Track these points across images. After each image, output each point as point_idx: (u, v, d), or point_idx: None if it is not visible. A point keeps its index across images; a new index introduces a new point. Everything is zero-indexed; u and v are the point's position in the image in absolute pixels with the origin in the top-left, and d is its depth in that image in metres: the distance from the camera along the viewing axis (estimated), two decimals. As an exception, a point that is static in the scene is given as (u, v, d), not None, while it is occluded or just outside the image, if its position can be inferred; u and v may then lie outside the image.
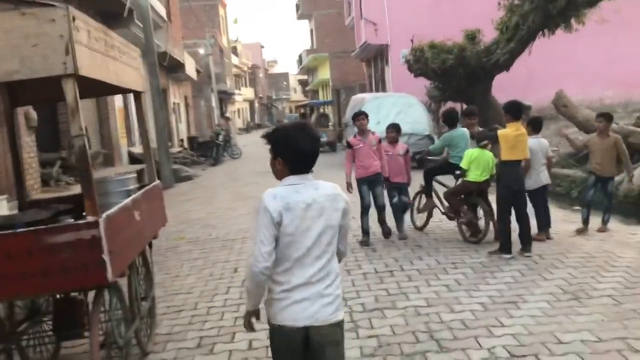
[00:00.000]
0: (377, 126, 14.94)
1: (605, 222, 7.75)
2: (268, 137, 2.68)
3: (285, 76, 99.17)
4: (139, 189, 4.64)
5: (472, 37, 13.79)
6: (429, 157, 8.60)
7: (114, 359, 3.85)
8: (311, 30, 45.18)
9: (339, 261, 2.72)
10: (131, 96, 15.88)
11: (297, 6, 44.25)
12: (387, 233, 7.74)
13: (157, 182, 5.07)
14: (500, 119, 14.54)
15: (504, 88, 20.40)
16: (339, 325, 2.63)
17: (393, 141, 7.97)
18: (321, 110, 28.70)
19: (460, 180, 7.45)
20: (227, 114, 44.36)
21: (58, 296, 4.28)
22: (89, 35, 3.38)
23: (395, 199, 7.86)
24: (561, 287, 5.40)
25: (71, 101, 3.16)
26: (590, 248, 6.74)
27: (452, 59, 13.27)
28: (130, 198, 4.01)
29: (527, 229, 6.71)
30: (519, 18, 12.75)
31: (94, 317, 3.48)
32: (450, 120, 7.94)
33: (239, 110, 65.32)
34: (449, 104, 18.47)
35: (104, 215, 3.28)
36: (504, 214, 6.72)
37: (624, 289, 5.25)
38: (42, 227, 3.26)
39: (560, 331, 4.36)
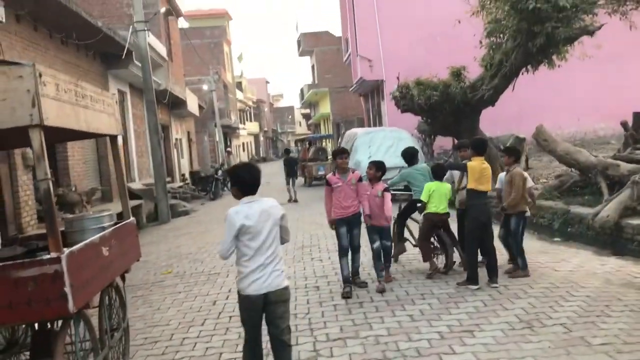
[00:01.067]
0: (368, 160, 15.36)
1: (516, 265, 7.42)
2: (227, 173, 4.06)
3: (290, 110, 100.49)
4: (115, 225, 4.97)
5: (457, 73, 14.20)
6: (392, 190, 8.50)
7: (82, 386, 4.12)
8: (312, 66, 46.09)
9: (282, 243, 4.14)
10: (131, 133, 16.41)
11: (299, 43, 45.21)
12: (362, 285, 7.18)
13: (131, 219, 5.40)
14: (489, 152, 14.96)
15: (496, 122, 20.92)
16: (286, 289, 4.09)
17: (373, 179, 7.29)
18: (319, 144, 29.11)
19: (422, 217, 7.73)
20: (229, 149, 45.03)
21: (36, 328, 4.59)
22: (57, 88, 3.76)
23: (376, 244, 7.14)
24: (519, 316, 5.64)
25: (37, 148, 3.51)
26: (556, 279, 6.97)
27: (437, 95, 13.67)
28: (98, 235, 4.33)
29: (494, 260, 6.96)
30: (502, 55, 13.16)
31: (58, 346, 3.77)
32: (409, 157, 8.19)
33: (243, 144, 66.09)
34: (439, 139, 18.94)
35: (67, 251, 3.59)
36: (472, 246, 6.99)
37: (577, 318, 5.47)
38: (8, 262, 3.57)
39: (504, 358, 4.60)
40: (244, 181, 4.10)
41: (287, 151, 23.49)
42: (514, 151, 7.97)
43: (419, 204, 7.63)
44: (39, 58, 11.34)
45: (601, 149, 17.97)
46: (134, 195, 16.85)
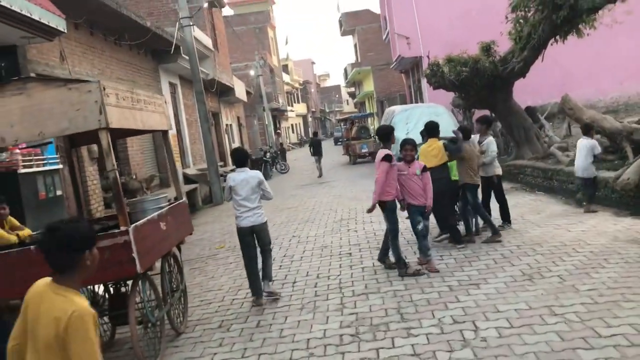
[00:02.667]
0: (406, 136, 15.97)
1: (476, 229, 8.49)
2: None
3: (337, 89, 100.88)
4: (170, 205, 6.00)
5: (486, 48, 14.62)
6: None
7: (150, 334, 5.17)
8: (355, 45, 46.45)
9: (266, 199, 6.70)
10: (183, 122, 17.57)
11: (340, 23, 45.64)
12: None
13: (184, 200, 6.42)
14: (522, 122, 15.37)
15: (540, 91, 21.12)
16: (265, 223, 6.65)
17: (410, 158, 7.15)
18: (362, 122, 29.79)
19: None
20: (279, 130, 46.14)
21: (111, 292, 5.69)
22: (117, 97, 4.74)
23: (421, 225, 7.04)
24: (523, 270, 6.37)
25: (105, 146, 4.52)
26: (566, 238, 7.61)
27: (466, 71, 14.15)
28: (157, 213, 5.34)
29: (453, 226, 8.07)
30: (530, 28, 13.50)
31: (131, 299, 4.81)
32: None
33: (292, 125, 67.27)
34: (477, 112, 19.32)
35: (132, 225, 4.60)
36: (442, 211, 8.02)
37: (574, 270, 6.16)
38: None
39: (501, 303, 5.39)
40: (233, 160, 6.87)
41: (315, 134, 26.68)
42: (485, 120, 8.89)
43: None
44: (97, 60, 12.56)
45: (641, 113, 17.99)
46: (189, 180, 18.13)
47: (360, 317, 5.57)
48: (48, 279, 2.56)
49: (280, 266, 8.19)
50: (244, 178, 6.52)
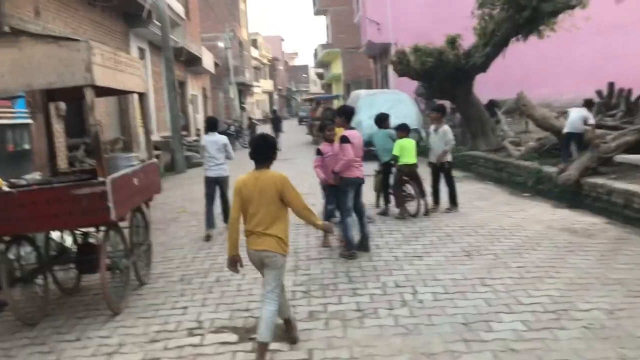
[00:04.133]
0: (369, 120, 16.50)
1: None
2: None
3: (305, 69, 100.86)
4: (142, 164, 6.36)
5: (452, 41, 15.22)
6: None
7: (117, 281, 5.57)
8: (327, 26, 46.69)
9: (228, 159, 8.58)
10: (150, 89, 17.67)
11: (314, 1, 45.75)
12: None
13: (154, 160, 6.78)
14: (479, 115, 16.09)
15: (502, 86, 21.92)
16: (227, 177, 8.52)
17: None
18: (328, 104, 30.24)
19: (394, 170, 8.99)
20: (244, 105, 46.15)
21: (80, 242, 6.05)
22: (102, 57, 5.07)
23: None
24: (463, 248, 7.00)
25: (90, 102, 4.87)
26: (507, 223, 8.29)
27: (431, 61, 14.75)
28: (130, 169, 5.72)
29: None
30: (494, 25, 14.15)
31: (103, 246, 5.20)
32: (379, 121, 9.14)
33: (257, 101, 67.16)
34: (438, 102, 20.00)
35: (109, 177, 4.98)
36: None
37: (509, 250, 6.83)
38: (70, 184, 4.97)
39: (440, 273, 5.99)
40: (206, 125, 8.83)
41: (274, 111, 29.98)
42: (440, 109, 9.57)
43: (391, 161, 8.88)
44: (70, 18, 12.62)
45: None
46: (153, 146, 18.28)
47: (312, 277, 6.10)
48: (249, 173, 4.29)
49: (241, 230, 8.62)
50: (213, 140, 8.50)
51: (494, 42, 14.40)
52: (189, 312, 5.32)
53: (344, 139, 6.93)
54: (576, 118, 11.22)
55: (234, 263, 4.36)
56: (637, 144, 10.76)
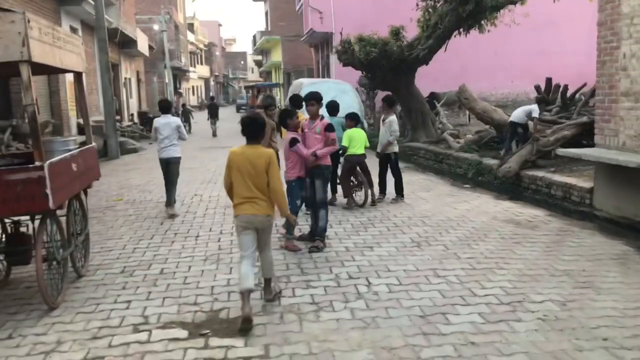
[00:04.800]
0: (311, 109, 16.38)
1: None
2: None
3: (242, 55, 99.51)
4: (80, 148, 5.94)
5: (396, 32, 15.26)
6: None
7: (54, 273, 5.17)
8: (266, 12, 46.09)
9: (181, 139, 9.00)
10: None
11: (253, -13, 45.02)
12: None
13: (93, 144, 6.36)
14: (420, 107, 16.25)
15: (438, 79, 22.23)
16: (178, 158, 8.91)
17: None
18: (268, 91, 29.87)
19: (342, 160, 8.90)
20: (180, 90, 44.99)
21: (9, 231, 5.59)
22: (40, 32, 4.65)
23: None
24: (412, 238, 6.98)
25: (26, 79, 4.45)
26: (452, 214, 8.36)
27: (375, 52, 14.73)
28: (69, 153, 5.31)
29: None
30: (437, 18, 14.27)
31: (39, 236, 4.80)
32: (331, 109, 8.91)
33: (193, 87, 65.70)
34: (380, 93, 20.10)
35: (48, 162, 4.58)
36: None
37: (457, 241, 6.85)
38: (1, 168, 4.54)
39: (392, 264, 5.93)
40: (160, 107, 9.16)
41: (212, 98, 30.76)
42: (388, 99, 9.60)
43: (340, 151, 8.76)
44: (-4, -9, 11.76)
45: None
46: (83, 131, 17.43)
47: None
48: (242, 145, 4.79)
49: (183, 221, 8.32)
50: (167, 122, 8.76)
51: (436, 35, 14.54)
52: (132, 307, 4.99)
53: (330, 127, 6.75)
54: (520, 110, 11.74)
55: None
56: (573, 138, 11.13)
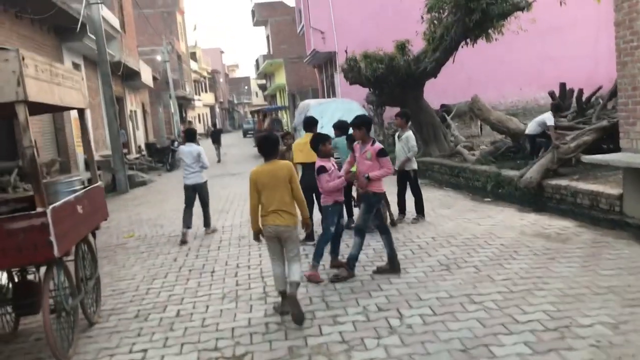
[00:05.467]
0: (321, 130, 16.06)
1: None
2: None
3: (246, 80, 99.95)
4: (86, 188, 5.64)
5: (401, 47, 15.00)
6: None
7: (63, 324, 4.83)
8: (267, 36, 46.19)
9: (203, 167, 9.30)
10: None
11: (253, 13, 45.19)
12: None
13: (99, 183, 6.06)
14: (431, 121, 15.94)
15: (446, 91, 21.92)
16: (204, 183, 9.40)
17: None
18: (274, 115, 29.72)
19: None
20: (190, 120, 45.03)
21: (16, 280, 5.27)
22: (36, 69, 4.38)
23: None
24: (440, 261, 6.59)
25: (22, 121, 4.16)
26: (478, 231, 7.96)
27: (382, 68, 14.46)
28: (74, 195, 5.01)
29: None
30: (443, 29, 13.99)
31: (45, 286, 4.47)
32: (341, 128, 8.77)
33: (199, 115, 65.83)
34: (388, 109, 19.82)
35: (50, 206, 4.28)
36: None
37: (488, 261, 6.46)
38: (1, 216, 4.24)
39: (422, 292, 5.54)
40: (184, 137, 9.59)
41: (214, 125, 33.18)
42: (404, 114, 9.21)
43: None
44: (-5, 32, 11.63)
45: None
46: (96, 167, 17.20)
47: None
48: (263, 165, 5.30)
49: (197, 255, 7.98)
50: (190, 150, 9.23)
51: (443, 46, 14.26)
52: (149, 356, 4.64)
53: (383, 152, 6.30)
54: (535, 122, 11.61)
55: (258, 235, 5.38)
56: (594, 143, 10.74)
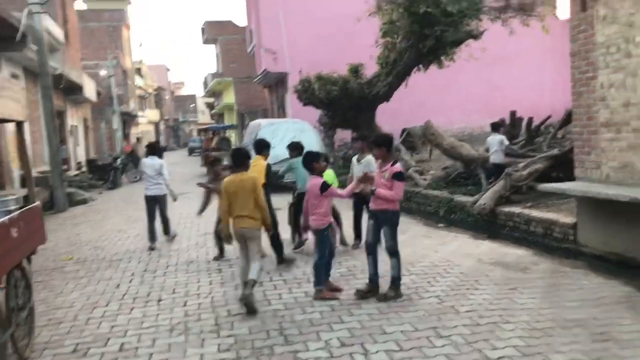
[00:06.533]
0: (272, 150, 15.74)
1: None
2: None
3: (192, 98, 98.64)
4: (20, 209, 5.12)
5: (355, 70, 14.96)
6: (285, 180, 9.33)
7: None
8: (217, 55, 45.73)
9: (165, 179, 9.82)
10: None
11: (203, 30, 44.69)
12: None
13: (37, 203, 5.53)
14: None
15: (396, 116, 22.05)
16: (164, 195, 9.98)
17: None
18: (222, 134, 29.22)
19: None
20: (139, 136, 43.84)
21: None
22: (-32, 75, 3.91)
23: None
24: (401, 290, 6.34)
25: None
26: (436, 259, 7.80)
27: (336, 90, 14.35)
28: (7, 217, 4.50)
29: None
30: (396, 55, 14.03)
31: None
32: (295, 149, 8.69)
33: (143, 132, 64.21)
34: (340, 132, 19.74)
35: (-21, 230, 3.78)
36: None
37: (450, 291, 6.27)
38: None
39: (386, 324, 5.26)
40: (147, 151, 10.22)
41: (157, 142, 29.49)
42: (364, 137, 9.10)
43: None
44: None
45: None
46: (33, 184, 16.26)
47: (239, 339, 5.12)
48: (233, 175, 6.17)
49: (142, 281, 7.46)
50: (152, 163, 9.72)
51: (396, 71, 14.32)
52: (89, 399, 4.16)
53: (398, 176, 6.09)
54: (495, 149, 11.57)
55: (228, 237, 6.29)
56: (544, 171, 10.86)
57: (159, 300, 6.56)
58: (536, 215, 9.27)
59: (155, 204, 9.79)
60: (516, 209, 9.84)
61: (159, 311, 6.15)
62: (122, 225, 12.47)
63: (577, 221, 8.31)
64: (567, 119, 12.63)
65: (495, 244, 8.79)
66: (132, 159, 27.72)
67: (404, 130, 17.13)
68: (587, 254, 7.94)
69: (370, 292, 6.20)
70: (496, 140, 11.62)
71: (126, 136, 45.40)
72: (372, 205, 6.33)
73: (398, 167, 6.20)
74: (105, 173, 23.97)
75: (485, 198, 10.34)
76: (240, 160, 6.26)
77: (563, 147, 11.09)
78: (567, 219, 8.63)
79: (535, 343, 4.67)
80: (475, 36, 13.27)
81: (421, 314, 5.53)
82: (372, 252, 6.35)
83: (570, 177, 9.11)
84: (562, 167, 10.91)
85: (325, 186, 6.24)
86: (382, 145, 6.26)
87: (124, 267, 8.37)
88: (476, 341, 4.76)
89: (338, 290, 6.38)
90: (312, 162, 6.43)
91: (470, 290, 6.25)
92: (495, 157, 11.60)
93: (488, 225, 10.29)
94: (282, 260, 7.76)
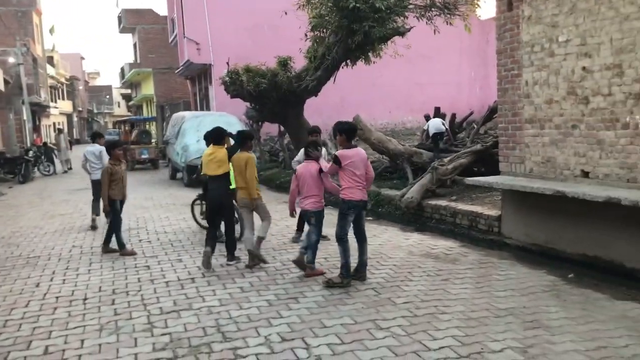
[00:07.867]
0: (197, 144, 15.36)
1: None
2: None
3: (108, 89, 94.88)
4: None
5: (284, 63, 14.84)
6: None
7: None
8: (134, 44, 44.14)
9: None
10: None
11: (120, 19, 42.99)
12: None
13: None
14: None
15: (321, 111, 22.11)
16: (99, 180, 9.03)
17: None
18: (142, 126, 28.27)
19: None
20: (60, 127, 41.57)
21: None
22: None
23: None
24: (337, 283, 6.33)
25: None
26: (369, 250, 7.80)
27: (265, 83, 14.17)
28: None
29: (231, 239, 7.61)
30: (325, 49, 14.02)
31: None
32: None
33: (54, 124, 61.07)
34: (266, 125, 19.56)
35: None
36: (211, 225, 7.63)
37: (385, 282, 6.33)
38: None
39: (325, 318, 5.23)
40: (91, 138, 11.60)
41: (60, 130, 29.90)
42: (317, 130, 8.99)
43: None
44: None
45: (408, 139, 19.92)
46: None
47: (175, 337, 4.92)
48: (239, 154, 7.23)
49: (64, 280, 7.05)
50: (93, 150, 10.59)
51: (325, 65, 14.29)
52: (12, 407, 3.86)
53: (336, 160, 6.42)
54: (437, 121, 13.88)
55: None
56: (468, 166, 11.22)
57: (85, 299, 6.21)
58: (462, 208, 9.54)
59: (99, 186, 9.58)
60: (442, 202, 10.10)
61: (86, 311, 5.82)
62: (39, 221, 11.77)
63: (501, 214, 8.62)
64: (490, 115, 13.14)
65: (423, 236, 8.98)
66: (45, 151, 26.26)
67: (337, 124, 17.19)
68: (511, 245, 8.26)
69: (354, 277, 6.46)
70: (438, 121, 13.85)
71: (36, 128, 43.07)
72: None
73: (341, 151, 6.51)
74: (15, 166, 22.55)
75: (413, 192, 10.54)
76: (217, 137, 7.43)
77: (485, 143, 11.50)
78: (491, 211, 8.95)
79: (472, 332, 4.78)
80: (402, 33, 13.47)
81: (359, 307, 5.53)
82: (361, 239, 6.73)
83: (492, 172, 9.46)
84: (484, 162, 11.34)
85: (322, 169, 6.78)
86: (342, 133, 6.53)
87: (43, 265, 7.88)
88: (415, 332, 4.81)
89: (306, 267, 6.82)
90: (314, 149, 6.92)
91: (405, 282, 6.33)
92: (438, 128, 13.79)
93: (415, 218, 10.50)
94: (233, 258, 7.51)
